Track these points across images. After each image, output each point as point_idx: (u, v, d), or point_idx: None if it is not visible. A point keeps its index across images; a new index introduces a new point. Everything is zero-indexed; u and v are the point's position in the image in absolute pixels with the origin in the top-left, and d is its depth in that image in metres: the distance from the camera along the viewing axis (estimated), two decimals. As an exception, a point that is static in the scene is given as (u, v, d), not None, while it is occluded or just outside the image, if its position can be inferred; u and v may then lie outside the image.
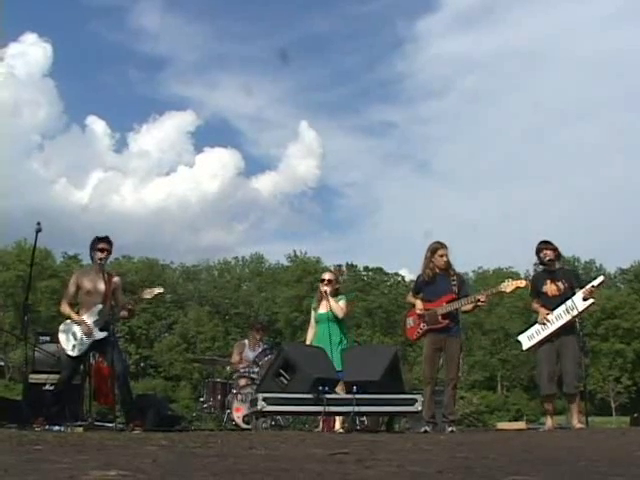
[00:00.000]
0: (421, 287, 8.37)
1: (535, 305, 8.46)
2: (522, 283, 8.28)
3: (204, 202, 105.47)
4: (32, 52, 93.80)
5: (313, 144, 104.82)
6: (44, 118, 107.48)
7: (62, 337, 7.72)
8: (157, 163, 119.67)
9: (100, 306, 7.72)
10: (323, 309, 8.55)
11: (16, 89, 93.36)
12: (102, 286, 7.82)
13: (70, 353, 7.67)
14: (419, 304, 8.16)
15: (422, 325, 8.13)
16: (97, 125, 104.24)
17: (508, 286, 8.23)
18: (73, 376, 7.93)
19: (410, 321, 8.39)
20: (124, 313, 8.05)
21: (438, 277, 8.17)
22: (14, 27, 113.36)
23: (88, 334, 7.66)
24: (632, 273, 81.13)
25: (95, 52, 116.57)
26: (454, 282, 8.12)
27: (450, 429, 7.73)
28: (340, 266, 74.65)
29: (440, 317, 7.98)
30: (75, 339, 7.66)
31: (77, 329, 7.69)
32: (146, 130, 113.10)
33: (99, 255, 7.90)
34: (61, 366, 8.00)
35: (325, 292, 8.50)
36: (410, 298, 8.52)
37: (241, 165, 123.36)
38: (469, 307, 8.14)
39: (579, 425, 7.83)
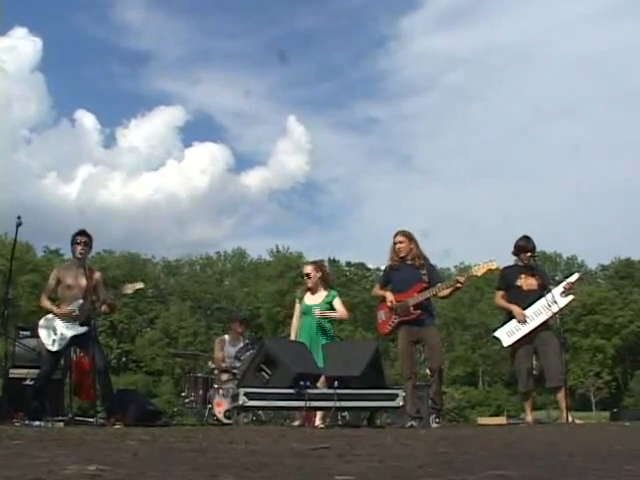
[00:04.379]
0: (390, 277, 8.18)
1: (501, 301, 8.38)
2: (493, 265, 8.02)
3: (193, 197, 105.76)
4: (22, 46, 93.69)
5: (302, 139, 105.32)
6: (34, 112, 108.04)
7: (42, 332, 7.68)
8: (146, 158, 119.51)
9: (80, 301, 7.69)
10: (310, 300, 8.45)
11: (5, 83, 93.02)
12: (83, 281, 7.80)
13: (50, 348, 7.64)
14: (389, 295, 7.91)
15: (394, 318, 7.91)
16: (86, 119, 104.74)
17: (479, 269, 8.04)
18: (53, 371, 7.89)
19: (381, 315, 8.13)
20: (105, 308, 8.02)
21: (407, 266, 7.95)
22: (4, 21, 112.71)
23: (73, 319, 7.63)
24: (612, 269, 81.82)
25: (82, 47, 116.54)
26: (424, 271, 7.90)
27: (436, 421, 7.70)
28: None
29: (412, 308, 7.77)
30: (55, 334, 7.63)
31: (58, 324, 7.66)
32: (135, 125, 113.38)
33: (78, 249, 7.88)
34: (41, 361, 7.96)
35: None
36: (378, 291, 8.30)
37: (230, 160, 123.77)
38: (446, 292, 7.92)
39: (576, 420, 7.89)
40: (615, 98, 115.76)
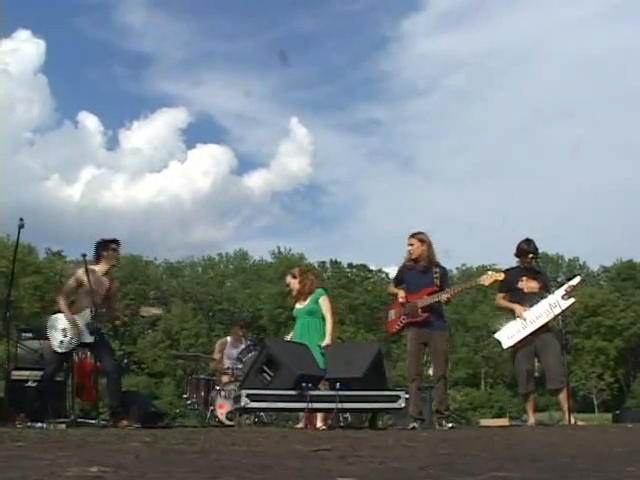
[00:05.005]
0: (403, 277, 8.25)
1: (503, 302, 8.41)
2: (500, 276, 8.14)
3: (196, 199, 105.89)
4: (25, 48, 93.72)
5: (304, 141, 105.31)
6: (37, 114, 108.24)
7: (51, 332, 7.66)
8: (149, 160, 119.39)
9: (88, 312, 7.67)
10: (299, 304, 8.52)
11: (9, 85, 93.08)
12: (103, 289, 7.87)
13: (57, 349, 7.63)
14: (402, 293, 8.00)
15: (402, 318, 7.99)
16: (89, 121, 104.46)
17: (487, 279, 8.11)
18: (57, 372, 7.90)
19: (392, 314, 8.23)
20: (116, 316, 8.08)
21: (419, 268, 8.01)
22: (7, 23, 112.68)
23: (77, 336, 7.63)
24: (615, 271, 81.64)
25: (85, 49, 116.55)
26: (436, 275, 7.94)
27: (450, 425, 7.68)
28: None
29: (420, 310, 7.83)
30: (64, 336, 7.62)
31: (67, 325, 7.64)
32: (137, 127, 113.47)
33: (113, 258, 8.05)
34: (46, 362, 7.95)
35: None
36: (392, 288, 8.41)
37: (233, 162, 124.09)
38: (444, 298, 7.89)
39: (579, 422, 7.89)
40: (615, 99, 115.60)
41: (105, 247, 7.97)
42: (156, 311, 8.33)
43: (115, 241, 8.04)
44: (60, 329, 7.66)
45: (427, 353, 8.12)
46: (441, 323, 8.04)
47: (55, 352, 7.69)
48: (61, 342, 7.63)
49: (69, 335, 7.63)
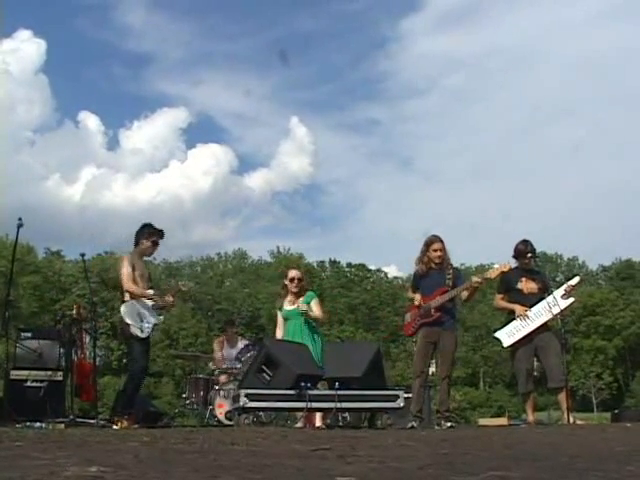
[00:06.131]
0: (418, 281, 8.27)
1: (502, 302, 8.42)
2: (506, 267, 8.14)
3: (196, 198, 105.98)
4: (26, 48, 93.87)
5: (304, 141, 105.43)
6: (37, 114, 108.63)
7: (130, 320, 7.59)
8: (149, 160, 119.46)
9: (152, 290, 7.84)
10: (291, 305, 8.46)
11: (10, 85, 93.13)
12: (147, 272, 8.00)
13: (140, 335, 7.59)
14: (418, 297, 8.05)
15: (417, 320, 8.04)
16: (90, 121, 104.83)
17: (493, 272, 8.19)
18: (148, 362, 7.95)
19: (407, 317, 8.31)
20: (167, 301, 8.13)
21: (433, 271, 8.04)
22: (8, 24, 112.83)
23: (162, 307, 7.84)
24: (614, 270, 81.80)
25: (85, 49, 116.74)
26: (449, 276, 7.97)
27: (449, 424, 7.69)
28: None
29: (433, 310, 7.88)
30: (142, 321, 7.61)
31: (142, 310, 7.67)
32: (137, 127, 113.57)
33: (156, 248, 8.09)
34: (134, 355, 7.80)
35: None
36: (410, 294, 8.41)
37: (234, 162, 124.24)
38: (466, 293, 8.00)
39: (577, 421, 7.90)
40: (615, 99, 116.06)
41: (148, 236, 7.95)
42: (190, 283, 8.52)
43: (159, 234, 8.02)
44: (136, 314, 7.62)
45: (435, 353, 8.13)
46: (452, 323, 8.07)
47: (139, 340, 7.62)
48: (141, 328, 7.60)
49: (146, 318, 7.63)
